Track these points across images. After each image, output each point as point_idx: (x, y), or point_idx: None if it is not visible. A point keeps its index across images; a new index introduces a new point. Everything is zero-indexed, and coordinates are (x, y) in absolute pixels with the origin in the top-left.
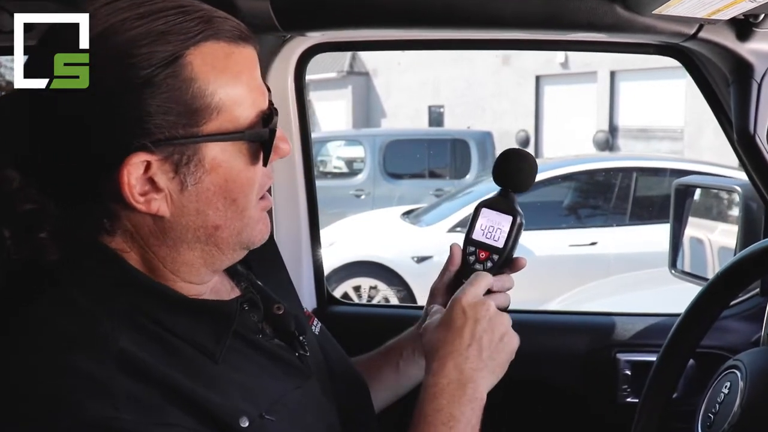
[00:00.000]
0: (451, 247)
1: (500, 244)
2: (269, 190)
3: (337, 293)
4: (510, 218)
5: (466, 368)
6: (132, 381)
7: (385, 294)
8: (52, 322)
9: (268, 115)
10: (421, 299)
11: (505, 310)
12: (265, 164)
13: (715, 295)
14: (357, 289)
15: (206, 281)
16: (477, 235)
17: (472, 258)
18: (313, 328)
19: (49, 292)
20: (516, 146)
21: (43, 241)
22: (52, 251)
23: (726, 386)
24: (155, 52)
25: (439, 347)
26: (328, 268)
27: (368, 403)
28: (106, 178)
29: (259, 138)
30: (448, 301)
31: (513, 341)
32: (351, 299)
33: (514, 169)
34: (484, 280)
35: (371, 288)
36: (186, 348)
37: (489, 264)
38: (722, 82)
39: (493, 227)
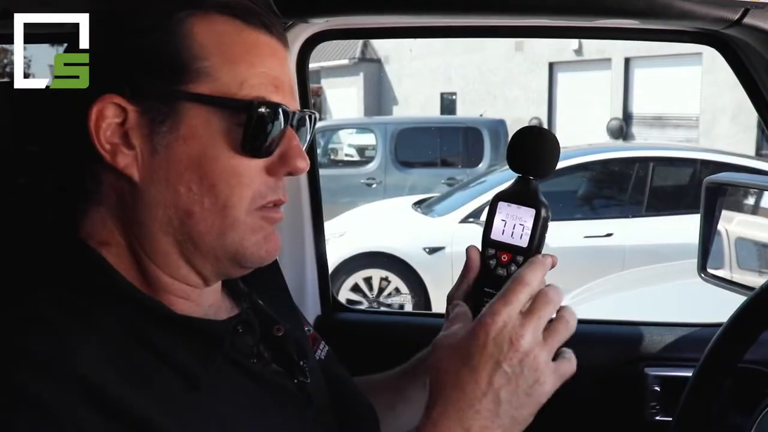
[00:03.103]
0: (467, 250)
1: (524, 243)
2: None
3: (348, 285)
4: (533, 211)
5: (475, 427)
6: (87, 412)
7: (397, 285)
8: (17, 340)
9: (267, 105)
10: (433, 291)
11: None
12: (246, 151)
13: (761, 308)
14: (368, 280)
15: (194, 284)
16: (496, 234)
17: (492, 262)
18: (319, 352)
19: (21, 300)
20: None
21: (47, 193)
22: (52, 206)
23: None
24: (162, 5)
25: (446, 386)
26: (338, 259)
27: None
28: (83, 117)
29: (236, 110)
30: (467, 311)
31: (546, 386)
32: (362, 290)
33: (532, 152)
34: (522, 293)
35: (382, 279)
36: (166, 371)
37: (513, 267)
38: (765, 72)
39: (514, 224)
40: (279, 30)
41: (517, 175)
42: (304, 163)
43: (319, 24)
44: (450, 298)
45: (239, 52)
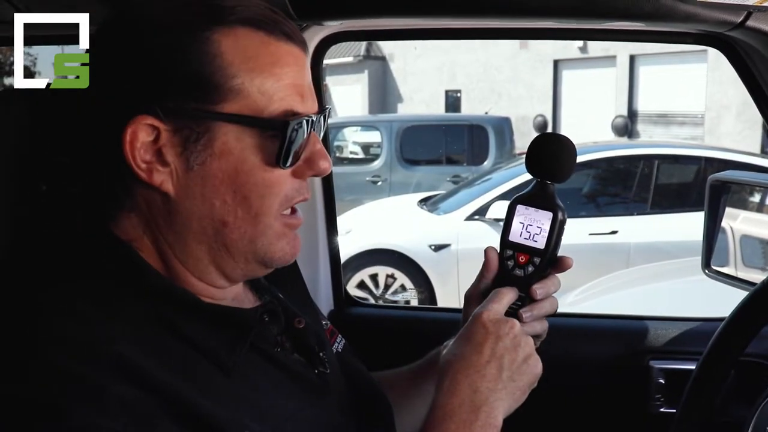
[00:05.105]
0: (486, 251)
1: (541, 245)
2: None
3: (354, 282)
4: (550, 214)
5: (483, 388)
6: (127, 387)
7: (402, 282)
8: (49, 326)
9: (296, 118)
10: (438, 288)
11: (552, 315)
12: (279, 164)
13: (765, 301)
14: (374, 277)
15: (220, 285)
16: (514, 236)
17: (510, 263)
18: (336, 344)
19: (50, 291)
20: (539, 130)
21: (74, 197)
22: (81, 210)
23: None
24: (187, 22)
25: (454, 362)
26: (344, 256)
27: (390, 425)
28: (117, 137)
29: (270, 128)
30: None
31: (537, 366)
32: (368, 287)
33: (550, 157)
34: (506, 297)
35: (388, 276)
36: (196, 356)
37: (530, 268)
38: (767, 73)
39: (532, 226)
40: (299, 36)
41: (535, 179)
42: (327, 164)
43: (333, 26)
44: (468, 297)
45: (265, 65)
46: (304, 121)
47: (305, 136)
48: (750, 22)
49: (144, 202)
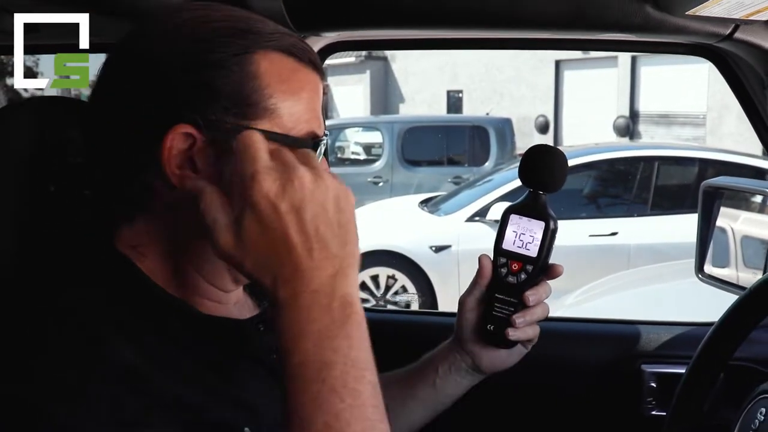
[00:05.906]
0: (480, 258)
1: (533, 253)
2: None
3: None
4: (542, 224)
5: (318, 279)
6: (127, 392)
7: (403, 284)
8: (51, 331)
9: (317, 141)
10: (439, 289)
11: (544, 320)
12: None
13: (753, 306)
14: (375, 278)
15: (228, 290)
16: (507, 244)
17: (503, 270)
18: None
19: (53, 297)
20: (541, 131)
21: (85, 200)
22: (91, 212)
23: (761, 412)
24: (231, 43)
25: (266, 282)
26: None
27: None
28: (153, 144)
29: (300, 146)
30: (476, 318)
31: (345, 198)
32: (369, 288)
33: (542, 168)
34: (256, 142)
35: (389, 277)
36: (193, 367)
37: (523, 276)
38: (757, 84)
39: (525, 235)
40: (320, 65)
41: (527, 189)
42: None
43: (331, 36)
44: (462, 303)
45: (295, 89)
46: (321, 144)
47: (320, 156)
48: (738, 34)
49: (164, 206)
